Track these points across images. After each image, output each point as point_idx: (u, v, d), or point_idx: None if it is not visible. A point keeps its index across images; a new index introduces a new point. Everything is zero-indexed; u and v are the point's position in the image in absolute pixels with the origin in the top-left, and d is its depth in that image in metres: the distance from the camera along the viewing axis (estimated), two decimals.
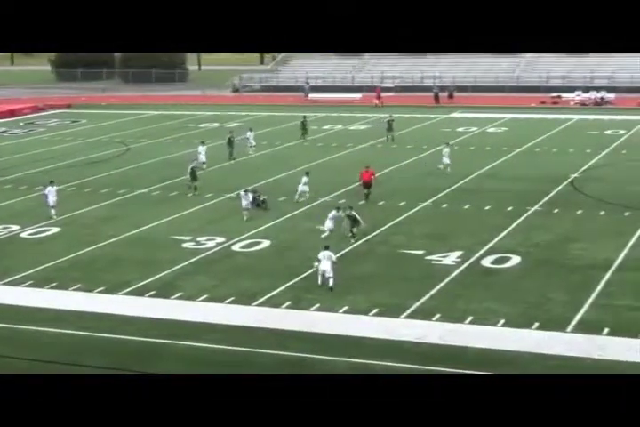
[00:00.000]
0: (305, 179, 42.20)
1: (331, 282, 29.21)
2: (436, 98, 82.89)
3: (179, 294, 29.46)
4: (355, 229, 34.72)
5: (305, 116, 63.49)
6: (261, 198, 40.80)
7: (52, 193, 39.53)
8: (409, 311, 27.28)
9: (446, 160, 48.00)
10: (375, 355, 23.92)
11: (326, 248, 29.98)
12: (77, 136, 66.75)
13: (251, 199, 39.27)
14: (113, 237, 36.48)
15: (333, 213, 35.19)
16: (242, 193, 39.12)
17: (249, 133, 56.66)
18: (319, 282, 29.42)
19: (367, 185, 41.83)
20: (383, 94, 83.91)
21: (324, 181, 46.56)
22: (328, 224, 35.01)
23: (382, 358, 23.68)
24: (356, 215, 34.66)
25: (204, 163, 50.30)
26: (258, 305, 28.36)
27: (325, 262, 29.39)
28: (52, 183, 40.14)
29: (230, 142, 53.84)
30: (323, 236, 34.59)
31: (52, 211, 39.46)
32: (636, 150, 54.24)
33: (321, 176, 48.17)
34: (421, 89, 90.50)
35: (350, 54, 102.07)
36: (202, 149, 51.26)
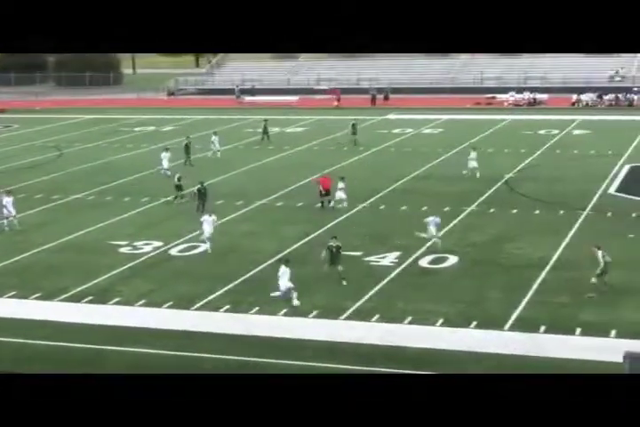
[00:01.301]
0: (341, 184, 40.24)
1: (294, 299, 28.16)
2: (373, 100, 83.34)
3: (116, 300, 29.19)
4: (340, 267, 29.97)
5: (266, 120, 63.21)
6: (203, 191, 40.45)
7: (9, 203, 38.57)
8: (348, 313, 27.35)
9: (473, 164, 46.53)
10: (316, 357, 23.92)
11: (286, 262, 28.69)
12: (10, 141, 65.89)
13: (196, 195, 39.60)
14: (48, 243, 36.04)
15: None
16: (206, 217, 34.73)
17: (214, 137, 56.19)
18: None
19: (327, 192, 40.82)
20: (319, 97, 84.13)
21: (261, 183, 46.59)
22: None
23: (323, 359, 23.70)
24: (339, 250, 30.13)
25: (167, 169, 49.31)
26: (197, 309, 28.22)
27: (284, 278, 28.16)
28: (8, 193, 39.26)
29: (187, 148, 52.74)
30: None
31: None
32: (570, 150, 55.03)
33: (258, 179, 48.22)
34: (358, 91, 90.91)
35: (286, 57, 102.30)
36: (165, 155, 50.00)
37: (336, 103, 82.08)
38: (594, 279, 28.18)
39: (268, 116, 66.89)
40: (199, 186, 40.45)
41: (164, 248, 34.85)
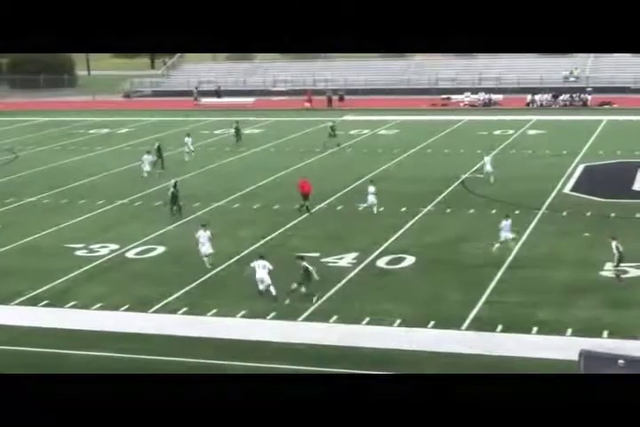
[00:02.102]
0: (372, 188, 39.19)
1: (272, 290, 28.46)
2: (329, 101, 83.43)
3: (73, 303, 28.95)
4: (302, 288, 28.58)
5: (237, 121, 62.87)
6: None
7: None
8: (306, 314, 27.33)
9: (488, 168, 45.68)
10: (273, 358, 23.90)
11: (261, 257, 29.08)
12: None
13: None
14: (1, 247, 35.67)
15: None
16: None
17: (187, 139, 55.78)
18: (261, 289, 28.73)
19: (306, 196, 40.14)
20: (275, 98, 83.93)
21: (218, 185, 46.47)
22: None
23: (281, 361, 23.68)
24: (309, 267, 28.71)
25: (147, 172, 48.97)
26: (154, 312, 28.07)
27: (261, 271, 28.56)
28: None
29: (159, 150, 51.87)
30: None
31: None
32: (525, 150, 55.42)
33: (215, 181, 48.08)
34: (313, 92, 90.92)
35: (241, 58, 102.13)
36: (147, 157, 49.52)
37: (308, 104, 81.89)
38: (613, 268, 29.74)
39: (223, 118, 66.68)
40: (172, 188, 39.91)
41: (120, 251, 34.62)
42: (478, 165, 48.13)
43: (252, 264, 29.09)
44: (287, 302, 28.28)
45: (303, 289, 28.61)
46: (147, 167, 49.17)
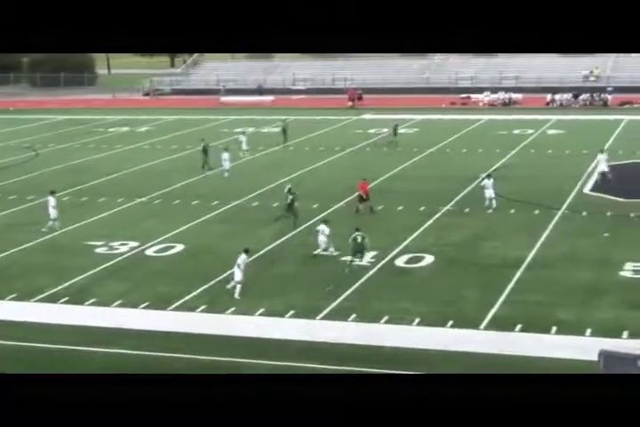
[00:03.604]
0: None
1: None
2: (356, 99, 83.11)
3: (92, 300, 29.09)
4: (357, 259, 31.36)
5: (285, 119, 62.50)
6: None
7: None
8: (325, 312, 27.37)
9: (603, 167, 44.73)
10: (292, 357, 23.93)
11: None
12: None
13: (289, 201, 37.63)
14: (24, 244, 35.86)
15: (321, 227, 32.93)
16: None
17: (241, 137, 55.78)
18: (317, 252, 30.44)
19: (367, 197, 39.53)
20: (294, 97, 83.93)
21: (236, 183, 46.57)
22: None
23: (299, 359, 23.71)
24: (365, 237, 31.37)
25: (228, 170, 48.90)
26: (173, 310, 28.17)
27: (322, 236, 31.54)
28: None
29: (205, 151, 50.93)
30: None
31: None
32: (544, 149, 55.27)
33: (233, 179, 48.12)
34: (332, 91, 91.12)
35: (261, 57, 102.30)
36: (225, 156, 49.29)
37: (350, 103, 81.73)
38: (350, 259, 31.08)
39: (243, 117, 66.68)
40: (289, 195, 38.22)
41: (139, 249, 34.75)
42: (499, 164, 47.98)
43: (317, 228, 32.40)
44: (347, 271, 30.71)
45: (358, 261, 31.07)
46: (227, 165, 48.88)
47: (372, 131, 65.50)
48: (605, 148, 54.43)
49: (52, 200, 38.15)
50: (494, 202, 39.29)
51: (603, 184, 43.90)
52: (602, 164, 45.24)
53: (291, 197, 38.08)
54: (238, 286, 28.84)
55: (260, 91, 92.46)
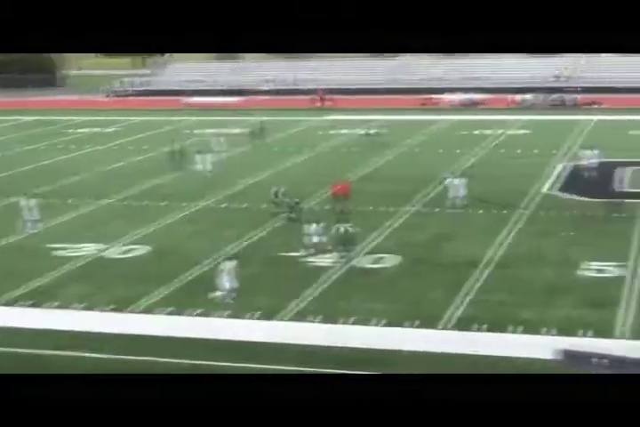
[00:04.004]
0: (459, 181, 40.08)
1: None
2: (322, 100, 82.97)
3: (55, 304, 28.94)
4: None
5: (262, 121, 62.17)
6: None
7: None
8: (291, 314, 27.40)
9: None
10: (260, 358, 23.90)
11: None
12: None
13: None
14: None
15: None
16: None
17: (216, 138, 55.75)
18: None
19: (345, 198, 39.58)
20: (260, 97, 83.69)
21: (204, 185, 46.50)
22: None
23: (268, 361, 23.68)
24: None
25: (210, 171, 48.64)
26: (139, 312, 28.09)
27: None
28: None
29: (177, 152, 51.28)
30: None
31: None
32: (512, 149, 55.55)
33: (200, 180, 48.05)
34: (296, 92, 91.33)
35: (228, 58, 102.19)
36: (200, 157, 49.20)
37: (320, 104, 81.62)
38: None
39: (209, 118, 66.58)
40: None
41: (105, 250, 34.63)
42: (466, 163, 48.19)
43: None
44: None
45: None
46: (208, 166, 48.51)
47: (337, 131, 65.55)
48: (573, 148, 54.90)
49: (29, 202, 37.99)
50: (465, 201, 39.55)
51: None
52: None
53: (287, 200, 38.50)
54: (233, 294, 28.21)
55: (234, 92, 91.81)
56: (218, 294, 28.49)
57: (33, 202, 38.29)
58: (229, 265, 28.81)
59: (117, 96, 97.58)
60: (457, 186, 40.29)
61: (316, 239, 32.83)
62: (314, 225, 33.10)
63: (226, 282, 28.51)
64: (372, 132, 61.78)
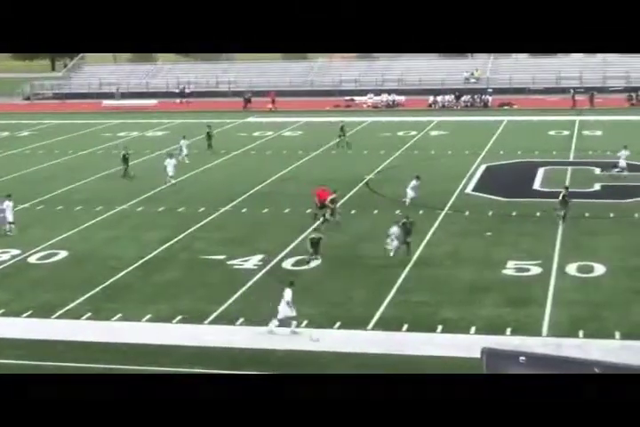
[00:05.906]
0: (415, 183, 40.86)
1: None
2: (273, 102, 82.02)
3: None
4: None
5: (209, 126, 60.53)
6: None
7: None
8: (213, 317, 27.25)
9: (623, 163, 45.96)
10: (182, 362, 23.73)
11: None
12: None
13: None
14: None
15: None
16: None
17: (182, 142, 54.20)
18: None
19: (322, 204, 38.51)
20: (178, 100, 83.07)
21: (120, 188, 46.02)
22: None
23: (191, 364, 23.52)
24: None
25: (172, 177, 47.06)
26: (57, 318, 27.66)
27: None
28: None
29: (125, 159, 49.71)
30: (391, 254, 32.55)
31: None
32: (427, 150, 56.07)
33: (117, 184, 47.57)
34: (219, 94, 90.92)
35: (143, 60, 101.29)
36: (169, 161, 47.52)
37: (270, 106, 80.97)
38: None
39: (127, 121, 65.93)
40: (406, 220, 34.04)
41: (21, 256, 34.04)
42: (384, 165, 48.44)
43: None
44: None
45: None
46: (171, 172, 47.07)
47: (256, 134, 65.48)
48: (487, 148, 55.63)
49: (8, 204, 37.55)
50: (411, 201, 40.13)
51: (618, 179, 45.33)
52: (622, 160, 46.24)
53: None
54: (294, 322, 26.04)
55: (182, 94, 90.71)
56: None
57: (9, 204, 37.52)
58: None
59: (36, 99, 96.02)
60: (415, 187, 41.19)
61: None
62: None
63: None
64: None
